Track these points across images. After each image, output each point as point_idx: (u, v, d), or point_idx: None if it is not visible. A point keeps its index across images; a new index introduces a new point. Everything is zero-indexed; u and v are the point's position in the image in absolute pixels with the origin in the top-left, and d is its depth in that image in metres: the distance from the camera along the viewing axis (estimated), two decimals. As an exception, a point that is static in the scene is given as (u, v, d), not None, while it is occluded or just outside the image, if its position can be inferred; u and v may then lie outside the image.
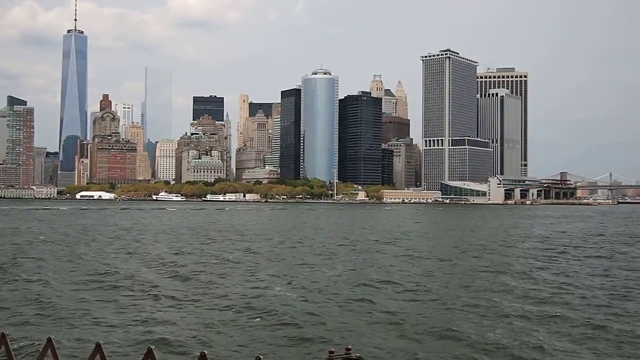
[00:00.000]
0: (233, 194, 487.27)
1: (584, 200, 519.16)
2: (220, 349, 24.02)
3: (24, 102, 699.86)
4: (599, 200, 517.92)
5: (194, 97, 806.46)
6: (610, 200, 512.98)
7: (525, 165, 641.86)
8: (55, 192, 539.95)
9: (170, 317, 30.25)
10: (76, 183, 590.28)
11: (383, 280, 44.16)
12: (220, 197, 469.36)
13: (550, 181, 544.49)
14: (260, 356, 4.69)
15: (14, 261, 53.98)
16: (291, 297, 36.28)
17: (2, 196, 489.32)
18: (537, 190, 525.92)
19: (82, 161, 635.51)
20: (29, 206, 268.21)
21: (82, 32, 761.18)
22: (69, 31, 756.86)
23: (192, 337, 26.06)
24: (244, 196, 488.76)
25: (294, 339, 26.00)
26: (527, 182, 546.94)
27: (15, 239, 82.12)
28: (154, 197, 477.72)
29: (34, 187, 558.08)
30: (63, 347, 22.88)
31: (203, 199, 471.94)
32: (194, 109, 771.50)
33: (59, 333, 25.70)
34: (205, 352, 4.80)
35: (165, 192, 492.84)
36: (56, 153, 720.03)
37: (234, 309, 32.27)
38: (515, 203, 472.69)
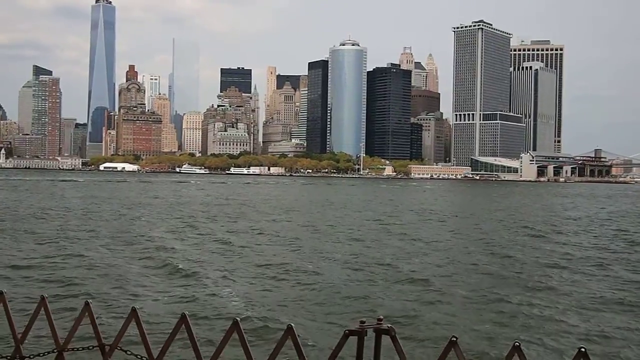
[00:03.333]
0: (257, 167, 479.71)
1: (621, 179, 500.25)
2: (253, 316, 23.40)
3: (49, 72, 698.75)
4: (636, 179, 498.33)
5: (221, 69, 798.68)
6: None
7: (559, 141, 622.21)
8: (80, 164, 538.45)
9: (204, 282, 30.24)
10: (103, 154, 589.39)
11: (416, 254, 42.82)
12: (244, 171, 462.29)
13: (584, 158, 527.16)
14: (292, 324, 4.86)
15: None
16: (326, 269, 35.49)
17: (27, 167, 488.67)
18: (571, 168, 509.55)
19: (109, 133, 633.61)
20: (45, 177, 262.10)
21: (110, 3, 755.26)
22: (97, 1, 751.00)
23: (225, 306, 25.45)
24: (269, 169, 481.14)
25: (326, 309, 25.38)
26: (560, 159, 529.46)
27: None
28: (177, 169, 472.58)
29: (58, 158, 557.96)
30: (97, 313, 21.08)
31: (227, 172, 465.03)
32: (221, 81, 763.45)
33: (96, 299, 24.83)
34: (238, 319, 5.07)
35: (189, 164, 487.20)
36: (85, 124, 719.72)
37: (269, 277, 32.20)
38: (549, 180, 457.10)
